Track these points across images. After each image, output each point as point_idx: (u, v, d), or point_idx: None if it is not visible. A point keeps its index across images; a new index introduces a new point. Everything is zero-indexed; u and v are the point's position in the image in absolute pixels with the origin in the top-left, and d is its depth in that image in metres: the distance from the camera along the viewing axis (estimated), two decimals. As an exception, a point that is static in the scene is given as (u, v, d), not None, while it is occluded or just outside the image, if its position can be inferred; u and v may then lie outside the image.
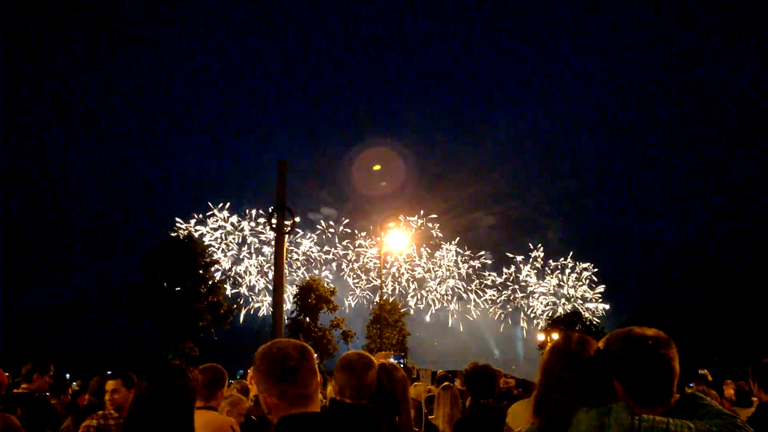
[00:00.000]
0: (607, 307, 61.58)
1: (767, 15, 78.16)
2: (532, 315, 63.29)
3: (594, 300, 62.21)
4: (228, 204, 57.57)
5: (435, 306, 62.87)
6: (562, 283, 63.37)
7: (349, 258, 60.22)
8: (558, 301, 62.97)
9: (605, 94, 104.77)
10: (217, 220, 56.73)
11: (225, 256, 56.70)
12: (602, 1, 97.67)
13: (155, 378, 2.40)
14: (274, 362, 1.92)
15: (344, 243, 60.39)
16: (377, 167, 66.03)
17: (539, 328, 55.38)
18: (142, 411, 2.34)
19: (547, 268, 63.92)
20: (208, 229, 56.08)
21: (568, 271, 63.23)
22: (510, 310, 63.83)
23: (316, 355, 2.42)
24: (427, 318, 62.26)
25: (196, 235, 39.10)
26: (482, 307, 63.51)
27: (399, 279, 61.15)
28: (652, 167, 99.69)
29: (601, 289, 62.74)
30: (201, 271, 29.05)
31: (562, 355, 2.09)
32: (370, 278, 59.45)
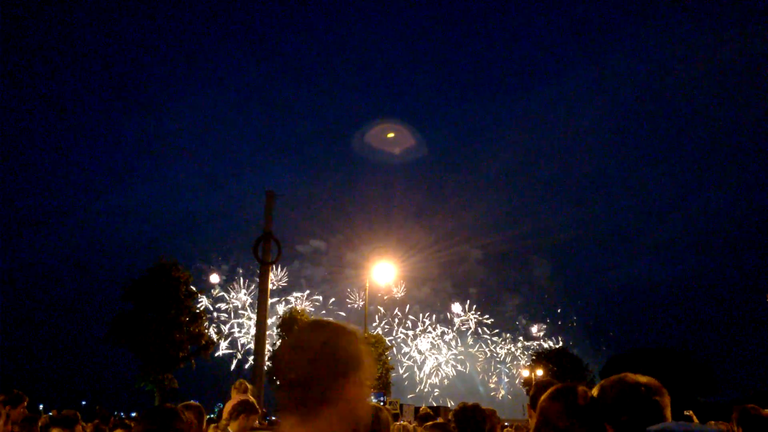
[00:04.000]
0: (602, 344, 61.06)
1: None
2: (517, 352, 62.98)
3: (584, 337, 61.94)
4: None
5: (421, 343, 62.39)
6: (546, 322, 63.33)
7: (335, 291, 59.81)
8: (541, 340, 62.77)
9: (596, 131, 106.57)
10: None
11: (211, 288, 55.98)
12: (599, 34, 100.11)
13: (150, 422, 2.44)
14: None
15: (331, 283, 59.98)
16: (391, 135, 65.25)
17: (523, 364, 55.03)
18: None
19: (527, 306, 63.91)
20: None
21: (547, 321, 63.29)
22: (495, 347, 63.48)
23: None
24: (413, 352, 61.70)
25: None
26: (468, 344, 63.13)
27: (385, 314, 60.72)
28: (640, 208, 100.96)
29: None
30: (184, 301, 28.63)
31: (571, 407, 2.05)
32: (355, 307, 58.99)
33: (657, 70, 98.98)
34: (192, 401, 4.12)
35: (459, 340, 63.78)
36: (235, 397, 9.42)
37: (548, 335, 63.61)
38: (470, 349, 63.64)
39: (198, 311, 29.86)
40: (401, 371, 57.15)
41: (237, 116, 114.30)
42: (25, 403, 5.61)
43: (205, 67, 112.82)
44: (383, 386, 37.34)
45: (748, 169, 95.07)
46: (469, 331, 63.54)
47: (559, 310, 64.01)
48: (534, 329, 63.94)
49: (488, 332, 63.88)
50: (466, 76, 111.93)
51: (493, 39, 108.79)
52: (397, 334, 61.86)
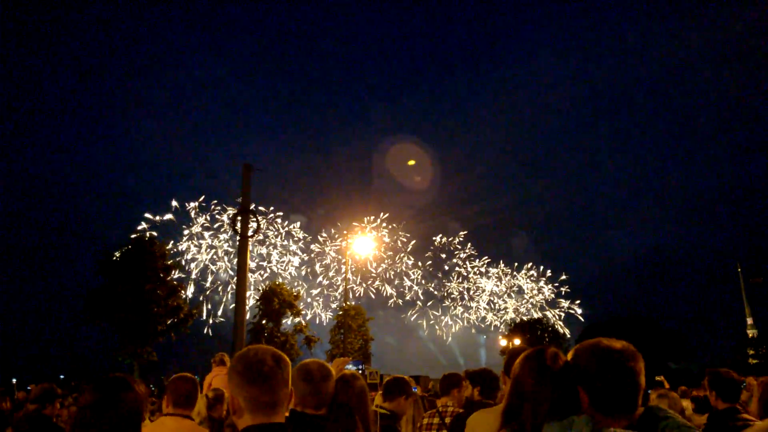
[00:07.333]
0: (579, 311, 61.81)
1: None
2: (494, 321, 63.96)
3: (562, 306, 62.80)
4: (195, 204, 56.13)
5: (402, 314, 62.99)
6: (525, 289, 64.16)
7: (315, 263, 59.77)
8: (520, 307, 63.70)
9: (576, 103, 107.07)
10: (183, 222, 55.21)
11: (187, 257, 55.40)
12: (585, 8, 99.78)
13: (97, 391, 2.30)
14: (249, 366, 1.95)
15: (314, 250, 59.82)
16: (412, 162, 65.13)
17: (501, 333, 55.89)
18: (85, 425, 2.25)
19: (507, 275, 64.67)
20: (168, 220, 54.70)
21: (525, 278, 63.98)
22: (472, 315, 64.36)
23: None
24: (395, 323, 62.34)
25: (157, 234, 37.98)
26: (446, 313, 63.90)
27: (365, 282, 60.93)
28: (617, 177, 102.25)
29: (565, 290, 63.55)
30: (161, 274, 28.43)
31: (539, 369, 2.06)
32: (334, 282, 59.13)
33: (638, 42, 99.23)
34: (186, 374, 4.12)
35: (438, 311, 64.54)
36: (215, 370, 9.53)
37: (524, 306, 64.60)
38: (449, 319, 64.49)
39: (176, 284, 29.68)
40: (383, 342, 57.76)
41: (215, 88, 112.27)
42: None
43: (186, 37, 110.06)
44: (364, 357, 37.73)
45: (726, 141, 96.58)
46: (447, 302, 64.30)
47: (537, 272, 64.73)
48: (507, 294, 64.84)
49: (467, 303, 64.70)
50: (444, 48, 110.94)
51: (469, 10, 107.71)
52: (377, 306, 62.35)
